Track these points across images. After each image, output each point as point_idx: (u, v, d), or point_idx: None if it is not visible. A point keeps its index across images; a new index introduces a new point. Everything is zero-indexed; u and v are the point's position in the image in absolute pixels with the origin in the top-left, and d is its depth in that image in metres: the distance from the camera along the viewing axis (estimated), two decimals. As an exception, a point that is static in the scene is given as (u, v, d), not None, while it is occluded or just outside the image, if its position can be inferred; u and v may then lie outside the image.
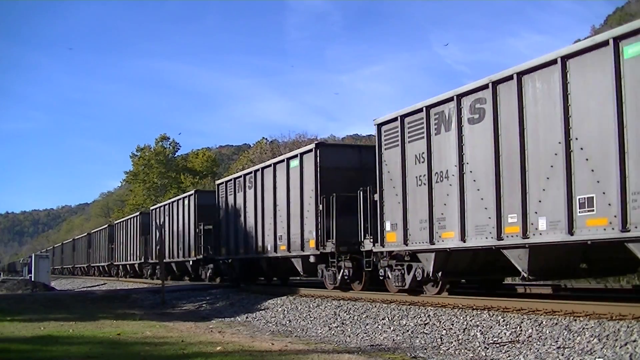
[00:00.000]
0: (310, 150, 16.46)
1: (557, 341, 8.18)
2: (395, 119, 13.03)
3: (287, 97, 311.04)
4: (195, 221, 25.64)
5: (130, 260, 37.09)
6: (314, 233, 15.89)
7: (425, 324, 10.61)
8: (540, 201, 9.62)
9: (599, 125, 8.73)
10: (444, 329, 10.04)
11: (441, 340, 9.43)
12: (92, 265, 48.95)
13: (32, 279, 33.23)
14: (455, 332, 9.74)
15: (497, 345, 8.56)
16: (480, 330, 9.48)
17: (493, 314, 10.18)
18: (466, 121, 11.14)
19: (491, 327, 9.51)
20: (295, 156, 17.36)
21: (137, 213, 37.70)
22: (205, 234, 24.58)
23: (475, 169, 10.91)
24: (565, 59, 9.26)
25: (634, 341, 7.44)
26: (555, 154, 9.34)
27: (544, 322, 9.02)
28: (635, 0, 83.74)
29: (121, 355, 8.93)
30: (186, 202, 27.28)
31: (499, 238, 10.26)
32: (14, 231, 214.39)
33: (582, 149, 8.97)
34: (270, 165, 18.96)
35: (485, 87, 10.70)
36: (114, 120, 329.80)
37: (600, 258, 10.53)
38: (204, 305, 18.39)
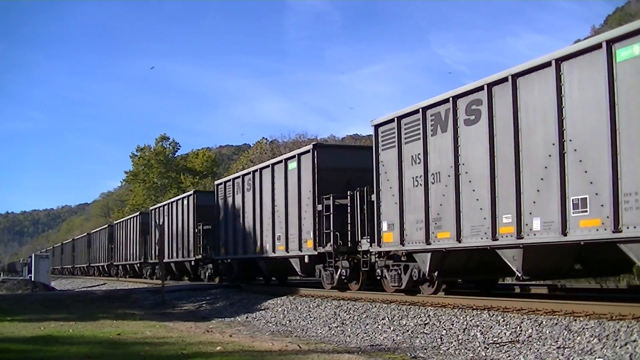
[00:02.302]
0: (308, 151, 16.59)
1: (557, 341, 8.18)
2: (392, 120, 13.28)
3: (286, 97, 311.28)
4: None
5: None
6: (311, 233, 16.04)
7: (425, 324, 10.61)
8: (534, 202, 9.50)
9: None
10: (444, 329, 10.04)
11: (441, 340, 9.43)
12: (114, 264, 42.10)
13: (32, 279, 33.22)
14: (455, 332, 9.74)
15: (497, 345, 8.56)
16: (480, 330, 9.48)
17: (493, 314, 10.19)
18: (462, 122, 11.31)
19: (491, 327, 9.52)
20: (293, 157, 17.60)
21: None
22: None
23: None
24: (559, 61, 9.27)
25: (634, 341, 7.44)
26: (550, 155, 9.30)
27: (544, 322, 9.02)
28: (635, 0, 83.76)
29: (121, 355, 8.93)
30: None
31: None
32: (14, 231, 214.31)
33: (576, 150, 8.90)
34: (268, 166, 19.42)
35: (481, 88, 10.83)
36: (114, 120, 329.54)
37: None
38: (204, 305, 18.39)
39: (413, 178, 12.50)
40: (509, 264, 10.55)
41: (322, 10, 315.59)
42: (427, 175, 12.10)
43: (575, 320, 8.77)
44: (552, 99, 9.50)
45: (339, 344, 9.99)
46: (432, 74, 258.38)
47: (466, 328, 9.79)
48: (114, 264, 41.69)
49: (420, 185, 12.24)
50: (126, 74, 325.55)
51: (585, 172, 9.01)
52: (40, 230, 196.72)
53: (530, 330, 8.90)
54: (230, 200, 21.80)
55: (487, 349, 8.47)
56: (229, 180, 22.25)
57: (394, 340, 10.05)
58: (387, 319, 11.65)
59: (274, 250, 18.21)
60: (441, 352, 8.70)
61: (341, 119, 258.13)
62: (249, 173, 20.41)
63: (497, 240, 10.43)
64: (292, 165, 17.19)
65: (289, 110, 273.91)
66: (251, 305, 16.57)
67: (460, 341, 9.19)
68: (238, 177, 21.46)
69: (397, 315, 11.67)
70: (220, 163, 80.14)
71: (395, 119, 12.94)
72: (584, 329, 8.31)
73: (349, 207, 14.80)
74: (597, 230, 8.80)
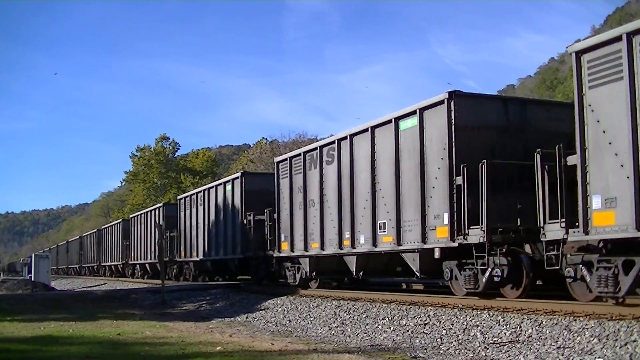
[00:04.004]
0: (442, 102, 12.18)
1: (557, 341, 8.18)
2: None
3: (286, 97, 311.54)
4: None
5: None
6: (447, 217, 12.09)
7: (425, 324, 10.61)
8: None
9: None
10: (444, 329, 10.04)
11: (441, 340, 9.43)
12: (129, 263, 37.52)
13: (32, 279, 33.22)
14: (455, 332, 9.74)
15: (497, 345, 8.56)
16: (480, 330, 9.48)
17: (493, 314, 10.18)
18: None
19: (491, 327, 9.52)
20: (413, 112, 12.99)
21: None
22: None
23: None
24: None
25: (634, 341, 7.44)
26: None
27: (544, 322, 9.02)
28: (635, 0, 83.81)
29: (121, 355, 8.93)
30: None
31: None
32: (14, 231, 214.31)
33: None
34: (366, 130, 14.59)
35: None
36: (114, 120, 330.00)
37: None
38: (204, 305, 18.39)
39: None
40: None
41: (321, 10, 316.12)
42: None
43: (575, 320, 8.76)
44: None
45: (339, 344, 9.99)
46: (431, 74, 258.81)
47: (466, 328, 9.79)
48: (130, 262, 37.55)
49: None
50: (126, 74, 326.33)
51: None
52: (40, 230, 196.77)
53: (530, 330, 8.90)
54: (299, 179, 17.50)
55: (487, 349, 8.47)
56: (297, 155, 17.88)
57: (394, 340, 10.05)
58: (387, 319, 11.65)
59: (374, 243, 14.13)
60: (441, 352, 8.70)
61: (341, 119, 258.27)
62: (331, 142, 16.18)
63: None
64: (410, 122, 13.13)
65: (289, 110, 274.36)
66: (251, 305, 16.56)
67: (460, 341, 9.19)
68: (313, 149, 17.09)
69: (397, 315, 11.67)
70: (220, 163, 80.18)
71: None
72: (584, 329, 8.31)
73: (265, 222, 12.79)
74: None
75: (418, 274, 13.20)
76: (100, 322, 13.54)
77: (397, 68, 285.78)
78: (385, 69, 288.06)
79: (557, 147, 9.91)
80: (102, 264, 45.95)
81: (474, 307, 10.89)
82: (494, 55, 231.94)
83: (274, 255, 18.85)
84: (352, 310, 13.09)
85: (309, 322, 12.97)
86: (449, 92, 12.00)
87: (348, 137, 15.18)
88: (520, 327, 9.14)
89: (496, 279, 11.13)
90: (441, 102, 12.15)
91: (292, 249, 17.74)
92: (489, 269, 11.19)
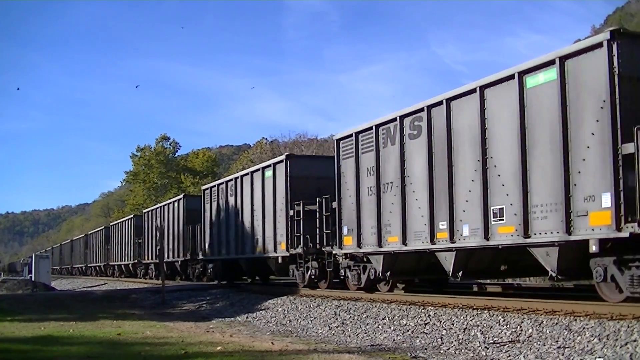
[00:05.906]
0: (281, 161, 17.93)
1: (557, 341, 8.18)
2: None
3: (286, 97, 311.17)
4: None
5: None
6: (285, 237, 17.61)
7: (425, 324, 10.61)
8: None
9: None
10: (444, 329, 10.04)
11: (441, 340, 9.43)
12: (110, 264, 42.89)
13: (33, 279, 33.21)
14: (455, 332, 9.74)
15: (498, 345, 8.56)
16: (480, 330, 9.48)
17: (493, 314, 10.19)
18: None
19: (491, 327, 9.52)
20: (269, 166, 18.78)
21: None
22: None
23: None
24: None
25: (634, 341, 7.44)
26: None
27: (544, 322, 9.02)
28: (635, 0, 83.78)
29: (121, 355, 8.93)
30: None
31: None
32: (14, 231, 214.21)
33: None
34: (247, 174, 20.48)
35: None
36: (114, 120, 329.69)
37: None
38: (204, 305, 18.39)
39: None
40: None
41: (320, 10, 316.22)
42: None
43: (576, 320, 8.76)
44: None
45: (339, 344, 9.99)
46: (431, 73, 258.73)
47: (466, 328, 9.79)
48: (110, 264, 42.71)
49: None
50: (126, 74, 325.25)
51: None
52: (40, 230, 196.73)
53: (530, 330, 8.90)
54: (215, 204, 23.29)
55: (488, 348, 8.47)
56: (214, 186, 23.77)
57: (394, 340, 10.05)
58: (387, 318, 11.65)
59: (252, 252, 19.62)
60: (441, 352, 8.70)
61: (341, 119, 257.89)
62: (231, 180, 21.98)
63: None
64: (269, 173, 18.74)
65: (288, 110, 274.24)
66: (251, 305, 16.57)
67: (460, 341, 9.19)
68: (222, 183, 22.88)
69: (398, 315, 11.67)
70: (220, 163, 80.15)
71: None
72: (584, 328, 8.31)
73: (317, 212, 16.18)
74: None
75: (275, 273, 18.96)
76: (100, 322, 13.54)
77: (396, 68, 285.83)
78: (385, 69, 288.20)
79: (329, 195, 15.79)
80: (88, 265, 49.49)
81: (474, 307, 10.90)
82: (494, 55, 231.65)
83: None
84: (353, 310, 13.09)
85: (309, 322, 12.97)
86: (286, 155, 17.65)
87: (240, 177, 21.80)
88: (520, 327, 9.14)
89: (312, 276, 16.72)
90: (282, 161, 18.08)
91: None
92: (309, 270, 17.03)
